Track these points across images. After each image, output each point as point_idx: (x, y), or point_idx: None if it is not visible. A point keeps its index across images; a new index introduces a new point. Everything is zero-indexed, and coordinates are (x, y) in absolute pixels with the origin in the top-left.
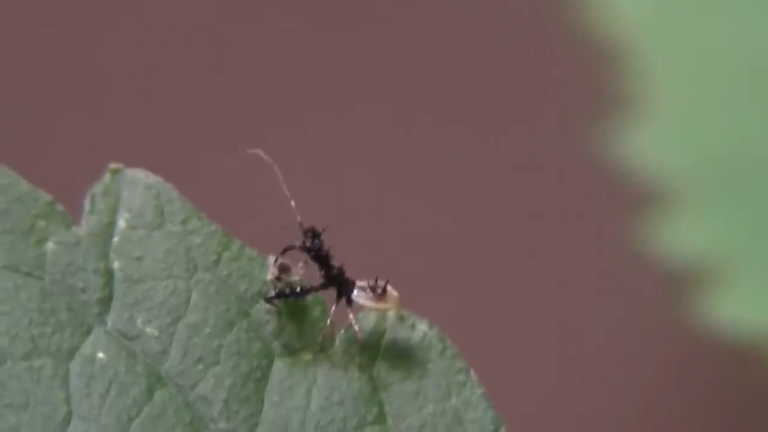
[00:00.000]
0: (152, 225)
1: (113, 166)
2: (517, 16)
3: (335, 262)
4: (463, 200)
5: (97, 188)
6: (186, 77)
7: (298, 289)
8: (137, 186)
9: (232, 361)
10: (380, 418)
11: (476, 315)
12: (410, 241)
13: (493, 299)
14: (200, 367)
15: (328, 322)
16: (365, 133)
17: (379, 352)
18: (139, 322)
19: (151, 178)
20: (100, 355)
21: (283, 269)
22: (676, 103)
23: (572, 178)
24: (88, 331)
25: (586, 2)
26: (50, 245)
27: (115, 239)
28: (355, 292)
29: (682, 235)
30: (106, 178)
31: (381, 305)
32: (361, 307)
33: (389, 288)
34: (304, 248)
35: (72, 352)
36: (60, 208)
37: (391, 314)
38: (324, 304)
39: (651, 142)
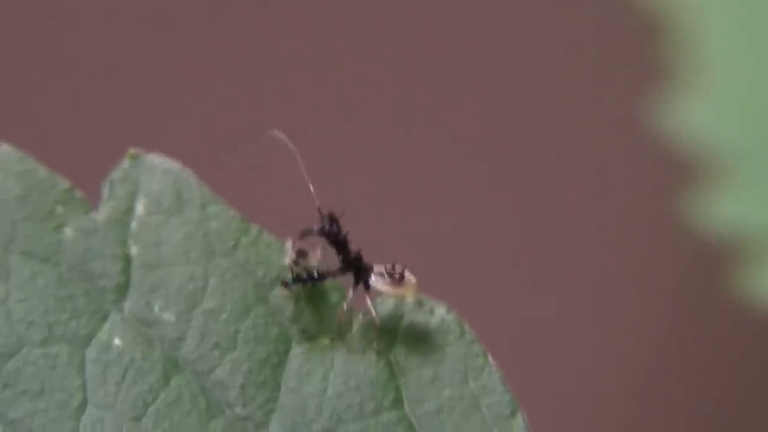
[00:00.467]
0: (170, 211)
1: (132, 151)
2: None
3: (353, 247)
4: (507, 174)
5: (116, 174)
6: (204, 66)
7: (316, 274)
8: (155, 172)
9: (249, 346)
10: (397, 403)
11: (507, 294)
12: (439, 224)
13: (529, 275)
14: (217, 352)
15: (346, 307)
16: (391, 119)
17: (397, 337)
18: (156, 308)
19: (170, 164)
20: (117, 341)
21: (301, 254)
22: (729, 75)
23: (621, 149)
24: (105, 318)
25: None
26: (68, 231)
27: (133, 225)
28: (373, 277)
29: (729, 208)
30: (125, 163)
31: (398, 290)
32: (379, 293)
33: (407, 273)
34: (323, 232)
35: (88, 339)
36: (78, 194)
37: (409, 299)
38: (342, 290)
39: (702, 114)
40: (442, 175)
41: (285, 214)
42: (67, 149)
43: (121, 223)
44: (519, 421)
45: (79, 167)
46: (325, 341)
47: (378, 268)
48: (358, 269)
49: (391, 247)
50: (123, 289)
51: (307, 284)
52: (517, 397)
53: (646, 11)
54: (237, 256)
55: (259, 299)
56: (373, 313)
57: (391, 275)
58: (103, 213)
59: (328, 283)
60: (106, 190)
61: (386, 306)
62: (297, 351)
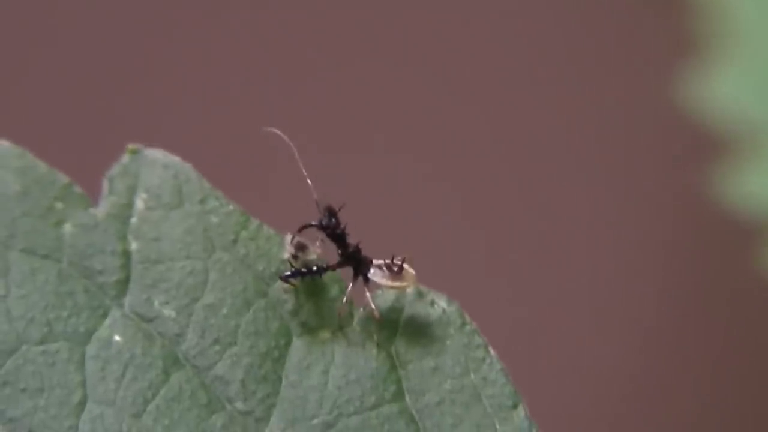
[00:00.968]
0: (170, 205)
1: (132, 146)
2: None
3: (352, 241)
4: (532, 149)
5: (116, 169)
6: (200, 55)
7: (315, 268)
8: (155, 166)
9: (249, 341)
10: (398, 396)
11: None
12: (448, 216)
13: (551, 252)
14: (217, 347)
15: (345, 300)
16: (391, 115)
17: (398, 329)
18: (156, 303)
19: (169, 158)
20: (117, 337)
21: (300, 247)
22: (759, 47)
23: (649, 123)
24: (105, 314)
25: None
26: (68, 227)
27: (133, 220)
28: (372, 270)
29: (758, 183)
30: (125, 158)
31: (398, 283)
32: (379, 286)
33: (406, 266)
34: (321, 226)
35: (88, 335)
36: (78, 189)
37: (410, 291)
38: (341, 283)
39: (731, 87)
40: (451, 165)
41: (285, 209)
42: (66, 145)
43: (121, 219)
44: (520, 412)
45: (78, 163)
46: (325, 334)
47: (377, 261)
48: (357, 262)
49: (390, 240)
50: (123, 284)
51: (307, 278)
52: (518, 389)
53: None
54: (237, 250)
55: (260, 293)
56: (373, 306)
57: (389, 268)
58: (102, 208)
59: (328, 276)
60: (105, 186)
61: (387, 298)
62: (297, 344)
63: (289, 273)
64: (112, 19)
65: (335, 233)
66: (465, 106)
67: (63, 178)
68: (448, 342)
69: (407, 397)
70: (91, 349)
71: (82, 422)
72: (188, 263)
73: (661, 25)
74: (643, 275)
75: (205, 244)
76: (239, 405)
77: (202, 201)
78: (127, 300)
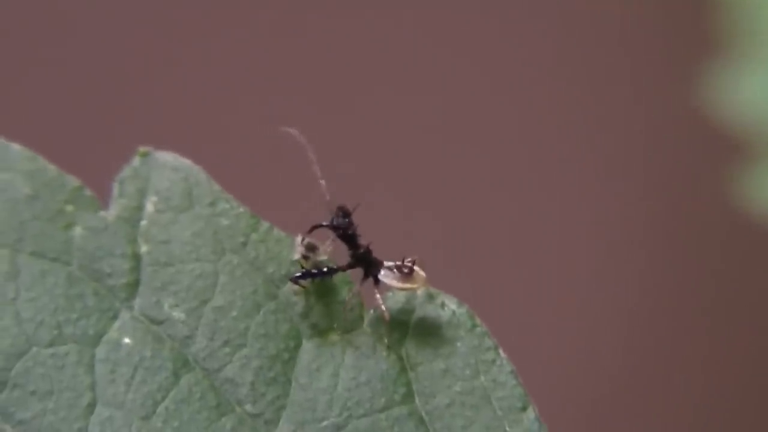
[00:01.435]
0: (180, 208)
1: (142, 149)
2: None
3: (363, 242)
4: (553, 146)
5: (126, 172)
6: (209, 58)
7: (326, 269)
8: (165, 169)
9: (259, 343)
10: (408, 398)
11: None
12: (460, 216)
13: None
14: (227, 350)
15: (356, 302)
16: (402, 113)
17: (408, 331)
18: (166, 306)
19: (179, 161)
20: (126, 340)
21: (310, 248)
22: None
23: (672, 123)
24: (115, 317)
25: None
26: (78, 230)
27: (143, 223)
28: (383, 272)
29: None
30: (135, 161)
31: (408, 285)
32: (389, 287)
33: (416, 268)
34: (333, 227)
35: (98, 338)
36: (88, 192)
37: (420, 293)
38: (352, 285)
39: (754, 87)
40: (527, 125)
41: (294, 211)
42: (76, 148)
43: (131, 221)
44: (530, 414)
45: (88, 166)
46: (335, 337)
47: (387, 263)
48: (367, 263)
49: (399, 243)
50: (133, 287)
51: (317, 279)
52: (528, 391)
53: None
54: (247, 253)
55: (269, 295)
56: (383, 308)
57: (400, 270)
58: (112, 211)
59: (338, 277)
60: (116, 188)
61: (397, 300)
62: (307, 347)
63: (299, 274)
64: (122, 21)
65: (347, 233)
66: (480, 107)
67: (73, 181)
68: (458, 344)
69: (417, 399)
70: (100, 351)
71: (92, 425)
72: (198, 266)
73: (685, 26)
74: (663, 275)
75: (215, 246)
76: (249, 407)
77: (212, 204)
78: (137, 303)
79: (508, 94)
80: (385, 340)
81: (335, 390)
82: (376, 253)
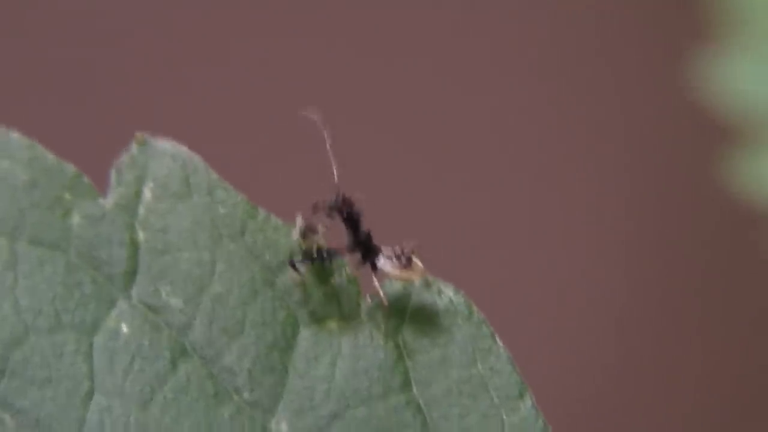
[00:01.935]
0: (178, 196)
1: (140, 135)
2: None
3: (364, 227)
4: (544, 136)
5: (124, 159)
6: (206, 45)
7: (324, 253)
8: (163, 156)
9: (256, 331)
10: (405, 386)
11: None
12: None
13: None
14: (225, 338)
15: (354, 290)
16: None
17: (405, 319)
18: (163, 294)
19: (177, 149)
20: (124, 328)
21: (311, 229)
22: None
23: (661, 110)
24: (113, 305)
25: None
26: (76, 218)
27: (141, 211)
28: (381, 259)
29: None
30: (133, 148)
31: (405, 274)
32: (386, 275)
33: (414, 258)
34: (336, 207)
35: (96, 326)
36: (86, 180)
37: (416, 283)
38: (349, 271)
39: (743, 74)
40: (518, 116)
41: (292, 199)
42: (74, 135)
43: (129, 209)
44: (527, 402)
45: (87, 154)
46: (332, 324)
47: (386, 250)
48: (367, 249)
49: (395, 231)
50: (131, 275)
51: (316, 263)
52: (525, 379)
53: None
54: (244, 241)
55: (267, 283)
56: (382, 294)
57: (399, 258)
58: (110, 199)
59: (336, 264)
60: (113, 176)
61: (394, 288)
62: (305, 335)
63: (298, 258)
64: (120, 8)
65: (350, 215)
66: (472, 94)
67: (71, 169)
68: (455, 332)
69: (414, 388)
70: (98, 340)
71: (90, 413)
72: (196, 254)
73: (675, 12)
74: (652, 261)
75: (213, 234)
76: (246, 395)
77: (210, 192)
78: (135, 291)
79: (496, 85)
80: (383, 328)
81: (333, 378)
82: (375, 240)
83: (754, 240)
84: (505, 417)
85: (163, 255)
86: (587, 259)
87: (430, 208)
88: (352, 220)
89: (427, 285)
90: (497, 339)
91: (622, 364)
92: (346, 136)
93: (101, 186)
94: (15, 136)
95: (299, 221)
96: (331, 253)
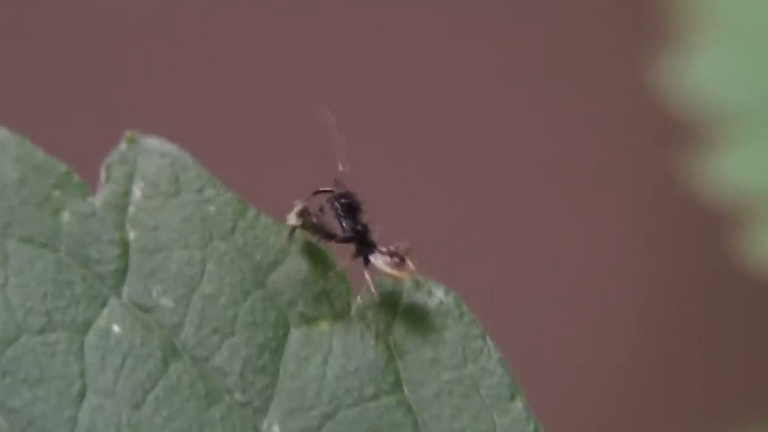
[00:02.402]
0: (167, 194)
1: (129, 133)
2: None
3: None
4: (504, 131)
5: (113, 156)
6: (196, 42)
7: (321, 232)
8: (152, 154)
9: (247, 331)
10: (396, 387)
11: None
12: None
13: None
14: (216, 338)
15: (344, 288)
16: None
17: (395, 319)
18: (154, 293)
19: (166, 147)
20: (116, 327)
21: (307, 212)
22: (735, 32)
23: (622, 109)
24: (104, 304)
25: None
26: (66, 216)
27: (131, 209)
28: (375, 255)
29: (732, 170)
30: (122, 146)
31: (397, 273)
32: (378, 271)
33: (407, 259)
34: (338, 195)
35: (87, 326)
36: (76, 177)
37: (407, 283)
38: (340, 269)
39: (705, 72)
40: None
41: (283, 198)
42: (64, 133)
43: (119, 207)
44: (518, 403)
45: (76, 151)
46: (323, 324)
47: (381, 247)
48: (362, 241)
49: (398, 233)
50: (121, 274)
51: (314, 235)
52: (517, 380)
53: None
54: (235, 240)
55: (257, 283)
56: (373, 289)
57: (392, 256)
58: (100, 197)
59: (328, 261)
60: (103, 174)
61: (384, 286)
62: (295, 335)
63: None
64: (118, 6)
65: (351, 204)
66: (445, 92)
67: (61, 167)
68: (445, 332)
69: (405, 388)
70: (89, 339)
71: (82, 413)
72: (186, 253)
73: (636, 8)
74: (615, 262)
75: (203, 233)
76: (238, 396)
77: (200, 190)
78: (125, 290)
79: (467, 85)
80: (373, 328)
81: (324, 379)
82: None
83: (718, 239)
84: (496, 418)
85: (153, 254)
86: (550, 257)
87: (430, 208)
88: (352, 209)
89: (417, 285)
90: (488, 340)
91: (617, 367)
92: (345, 136)
93: (92, 184)
94: (4, 132)
95: (298, 205)
96: (329, 234)
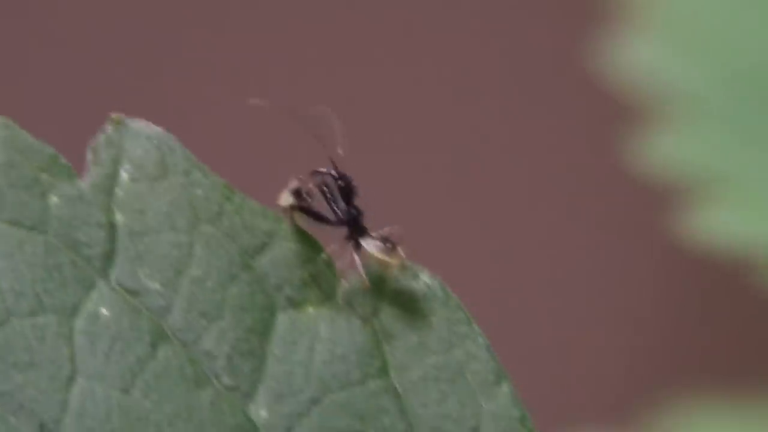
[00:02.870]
0: (154, 177)
1: (115, 116)
2: None
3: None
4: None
5: (100, 139)
6: (189, 34)
7: (314, 214)
8: (138, 137)
9: (234, 315)
10: (383, 372)
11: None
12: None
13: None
14: (204, 321)
15: (331, 273)
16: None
17: (382, 304)
18: (142, 276)
19: (152, 129)
20: (104, 311)
21: (298, 193)
22: (675, 11)
23: (560, 88)
24: (92, 287)
25: None
26: (53, 199)
27: (118, 192)
28: (367, 239)
29: (671, 149)
30: (108, 128)
31: (386, 258)
32: (368, 256)
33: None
34: (335, 175)
35: (76, 309)
36: (63, 160)
37: (394, 269)
38: (328, 253)
39: (646, 51)
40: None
41: (271, 183)
42: (51, 116)
43: (106, 190)
44: (505, 389)
45: (63, 134)
46: (310, 308)
47: (372, 232)
48: (355, 223)
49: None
50: (109, 257)
51: (306, 217)
52: (504, 364)
53: None
54: (222, 223)
55: (244, 267)
56: (363, 273)
57: (385, 241)
58: (87, 180)
59: (314, 245)
60: (90, 156)
61: (372, 271)
62: (282, 319)
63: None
64: (116, 4)
65: (347, 185)
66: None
67: (48, 149)
68: (431, 317)
69: (392, 373)
70: (79, 323)
71: (72, 397)
72: (173, 236)
73: None
74: (562, 244)
75: (190, 216)
76: (226, 380)
77: (186, 173)
78: (114, 273)
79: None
80: (360, 312)
81: (311, 363)
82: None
83: (658, 221)
84: (483, 404)
85: (140, 237)
86: (503, 245)
87: (429, 207)
88: (348, 190)
89: (403, 269)
90: (474, 324)
91: (606, 354)
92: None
93: (80, 168)
94: None
95: (292, 182)
96: (322, 216)
